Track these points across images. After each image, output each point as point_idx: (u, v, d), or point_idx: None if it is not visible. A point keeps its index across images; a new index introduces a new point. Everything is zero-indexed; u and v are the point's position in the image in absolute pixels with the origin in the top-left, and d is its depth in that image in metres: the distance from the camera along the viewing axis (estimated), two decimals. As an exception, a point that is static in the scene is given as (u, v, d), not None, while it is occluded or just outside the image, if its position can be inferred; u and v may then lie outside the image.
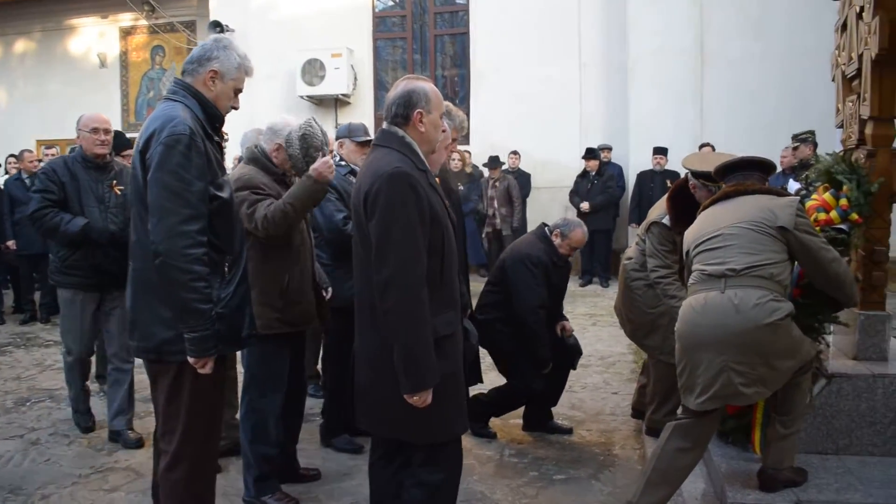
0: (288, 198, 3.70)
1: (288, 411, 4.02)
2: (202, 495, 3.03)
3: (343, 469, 4.36)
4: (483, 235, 11.50)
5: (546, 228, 4.96)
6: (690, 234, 3.57)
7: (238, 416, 4.03)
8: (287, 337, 3.88)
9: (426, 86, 2.89)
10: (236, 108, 3.11)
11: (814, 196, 3.99)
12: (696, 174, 4.15)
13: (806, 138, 8.33)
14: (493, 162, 11.51)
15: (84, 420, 5.11)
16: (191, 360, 2.81)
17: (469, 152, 11.86)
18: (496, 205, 11.37)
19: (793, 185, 7.97)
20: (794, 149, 8.41)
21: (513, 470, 4.37)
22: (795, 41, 10.77)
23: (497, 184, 11.38)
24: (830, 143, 6.38)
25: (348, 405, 4.53)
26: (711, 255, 3.35)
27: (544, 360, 4.74)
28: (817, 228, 3.76)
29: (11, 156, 11.00)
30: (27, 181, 8.93)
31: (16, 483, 4.24)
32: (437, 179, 3.02)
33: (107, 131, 4.77)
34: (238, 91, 3.06)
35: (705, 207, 3.61)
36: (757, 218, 3.30)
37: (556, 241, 4.86)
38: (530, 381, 4.77)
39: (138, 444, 4.74)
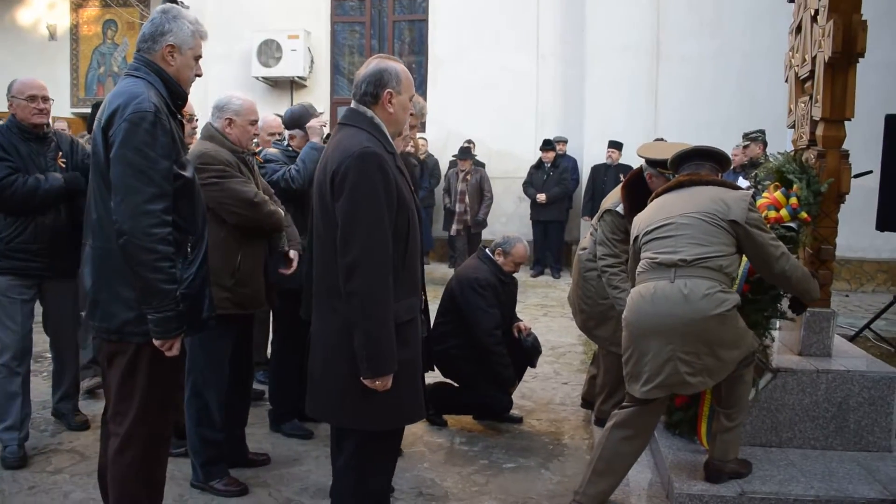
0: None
1: (234, 395, 3.99)
2: (152, 479, 2.97)
3: (293, 454, 4.34)
4: (452, 233, 11.13)
5: (486, 250, 4.98)
6: (641, 221, 3.59)
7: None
8: (233, 319, 3.81)
9: (398, 66, 2.86)
10: (200, 76, 3.06)
11: (765, 194, 4.07)
12: (652, 162, 4.18)
13: (756, 137, 8.48)
14: (464, 153, 11.03)
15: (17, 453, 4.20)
16: (156, 342, 2.76)
17: (425, 139, 11.82)
18: (467, 200, 10.94)
19: (742, 184, 8.16)
20: (745, 147, 8.56)
21: (463, 458, 4.39)
22: (749, 41, 10.97)
23: (468, 177, 10.99)
24: (780, 143, 6.51)
25: (296, 390, 4.54)
26: (662, 244, 3.38)
27: (509, 380, 4.80)
28: (767, 225, 3.84)
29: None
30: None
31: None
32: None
33: (45, 98, 4.26)
34: (198, 57, 2.99)
35: (658, 195, 3.63)
36: (710, 209, 3.33)
37: (500, 259, 4.88)
38: (499, 399, 4.81)
39: (84, 426, 4.63)
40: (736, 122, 9.95)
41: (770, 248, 3.35)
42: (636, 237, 3.57)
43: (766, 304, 3.80)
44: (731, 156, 9.00)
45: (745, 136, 8.55)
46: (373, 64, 2.85)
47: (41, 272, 4.23)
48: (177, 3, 11.95)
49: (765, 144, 8.41)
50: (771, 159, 4.36)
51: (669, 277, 3.27)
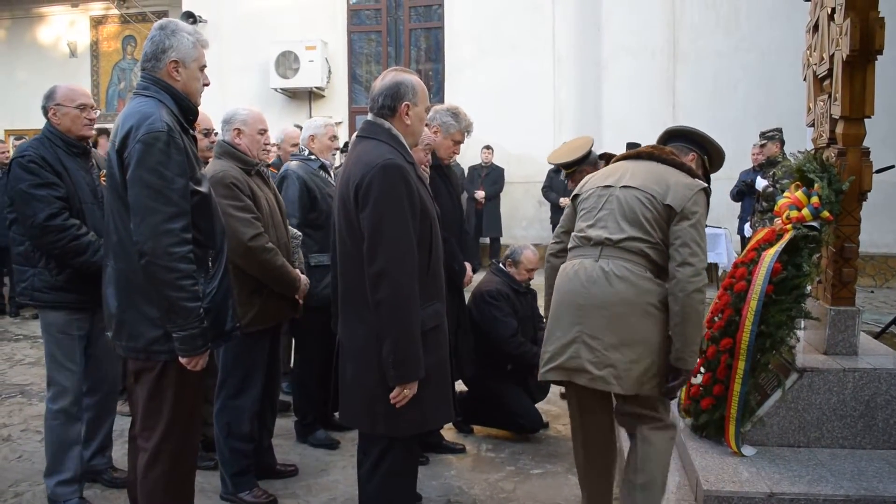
0: (273, 270, 3.79)
1: (262, 406, 4.02)
2: (181, 492, 3.01)
3: (320, 465, 4.37)
4: None
5: (498, 263, 5.00)
6: (589, 179, 3.36)
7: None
8: (263, 333, 3.87)
9: (413, 79, 2.91)
10: (208, 84, 3.07)
11: (786, 194, 4.05)
12: (564, 166, 4.27)
13: (773, 136, 8.42)
14: None
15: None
16: (182, 360, 2.79)
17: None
18: None
19: (760, 182, 8.12)
20: (762, 146, 8.50)
21: (490, 464, 4.40)
22: (766, 39, 10.91)
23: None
24: (798, 141, 6.47)
25: (321, 400, 4.58)
26: (594, 217, 3.14)
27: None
28: (789, 226, 3.82)
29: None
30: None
31: (-12, 480, 4.18)
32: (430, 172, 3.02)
33: (93, 107, 3.86)
34: (203, 67, 3.01)
35: (618, 160, 3.43)
36: (650, 189, 3.06)
37: (511, 270, 4.89)
38: (531, 417, 4.76)
39: (124, 483, 3.58)
40: (753, 121, 9.91)
41: (686, 248, 2.94)
42: (576, 194, 3.34)
43: (789, 303, 3.77)
44: (751, 154, 9.03)
45: (763, 135, 8.49)
46: (389, 77, 2.89)
47: (95, 303, 3.48)
48: (193, 18, 12.14)
49: (782, 143, 8.34)
50: (790, 158, 4.34)
51: (594, 256, 3.05)
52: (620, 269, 2.98)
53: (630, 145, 10.69)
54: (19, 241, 3.74)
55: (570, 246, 3.23)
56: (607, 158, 3.75)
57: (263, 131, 3.96)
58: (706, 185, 3.17)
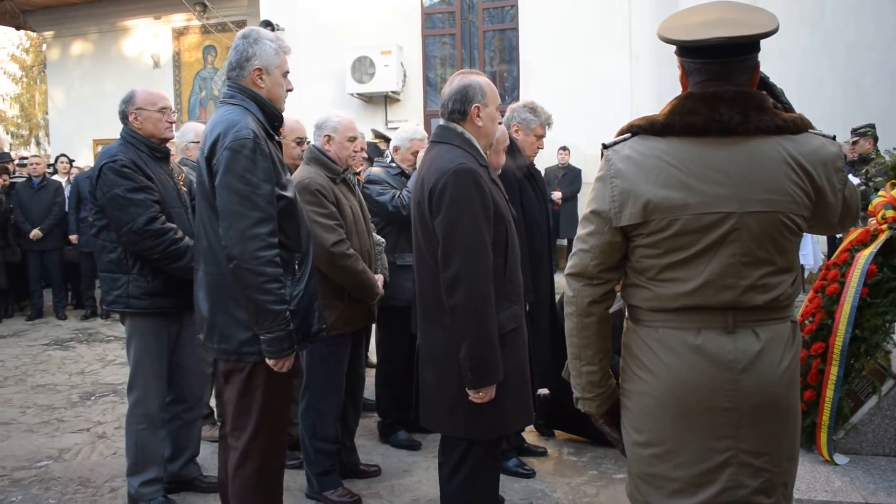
0: (354, 275, 3.82)
1: (346, 407, 4.07)
2: (271, 490, 3.08)
3: (402, 465, 4.40)
4: None
5: None
6: (644, 188, 2.01)
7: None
8: (346, 336, 3.93)
9: (481, 80, 2.91)
10: (291, 90, 3.13)
11: (881, 192, 3.92)
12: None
13: (866, 132, 8.15)
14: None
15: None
16: (269, 361, 2.85)
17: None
18: None
19: (853, 180, 7.85)
20: (854, 143, 8.23)
21: (572, 468, 4.37)
22: (853, 33, 10.55)
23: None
24: (889, 137, 6.24)
25: (403, 401, 4.62)
26: (701, 263, 1.98)
27: None
28: (884, 225, 3.70)
29: (63, 155, 11.34)
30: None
31: (85, 475, 4.36)
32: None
33: (172, 110, 3.87)
34: (286, 73, 3.07)
35: (676, 132, 2.08)
36: (788, 189, 1.94)
37: None
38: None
39: (215, 487, 3.67)
40: (841, 117, 9.57)
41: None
42: (630, 213, 1.96)
43: (885, 307, 3.64)
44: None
45: (854, 132, 8.22)
46: (456, 81, 2.90)
47: (184, 308, 3.59)
48: (271, 26, 12.39)
49: (875, 139, 8.06)
50: (885, 155, 4.19)
51: (724, 325, 1.92)
52: (777, 336, 1.96)
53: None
54: (111, 247, 3.69)
55: (648, 305, 2.04)
56: None
57: (353, 138, 4.01)
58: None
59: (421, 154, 4.52)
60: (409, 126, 4.95)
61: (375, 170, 4.79)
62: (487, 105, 2.89)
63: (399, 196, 4.51)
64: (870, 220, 3.92)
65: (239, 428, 2.99)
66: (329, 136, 3.94)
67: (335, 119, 3.98)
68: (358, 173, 4.49)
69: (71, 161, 11.49)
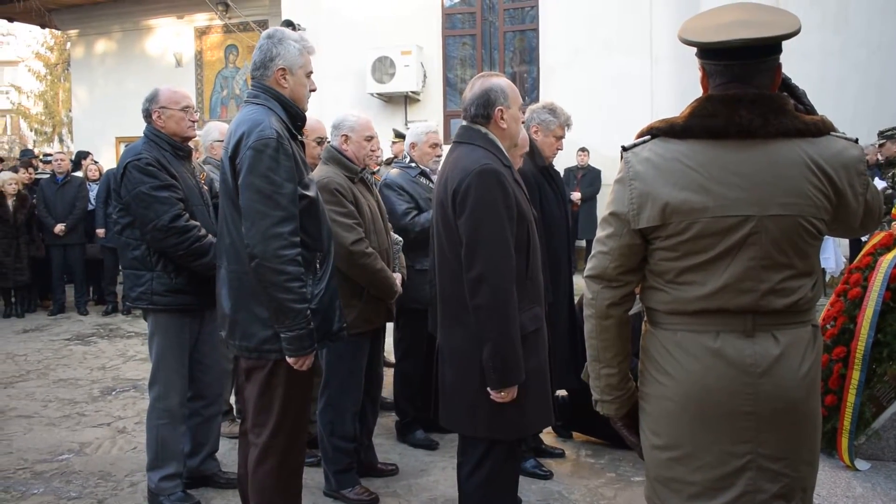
0: (373, 274, 3.84)
1: (364, 406, 4.09)
2: (290, 487, 3.10)
3: (420, 465, 4.41)
4: None
5: None
6: (663, 188, 2.00)
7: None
8: (365, 335, 3.94)
9: (502, 81, 2.92)
10: (315, 90, 3.14)
11: (905, 196, 3.89)
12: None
13: (892, 135, 8.04)
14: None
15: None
16: (289, 359, 2.87)
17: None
18: None
19: (878, 183, 7.77)
20: (881, 145, 8.13)
21: (590, 470, 4.36)
22: (877, 35, 10.46)
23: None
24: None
25: (421, 400, 4.62)
26: (722, 265, 1.96)
27: None
28: None
29: (85, 152, 11.45)
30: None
31: (105, 469, 4.40)
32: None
33: (195, 109, 3.88)
34: (309, 73, 3.08)
35: (694, 134, 2.05)
36: (809, 193, 1.92)
37: None
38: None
39: (234, 483, 3.64)
40: (863, 119, 9.49)
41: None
42: (651, 215, 1.95)
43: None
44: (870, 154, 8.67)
45: (881, 134, 8.12)
46: (477, 85, 2.91)
47: (206, 305, 3.68)
48: (293, 26, 12.44)
49: (902, 142, 7.97)
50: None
51: (743, 328, 1.92)
52: (797, 340, 1.95)
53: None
54: (135, 245, 3.70)
55: (667, 307, 2.03)
56: None
57: (370, 138, 4.03)
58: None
59: (440, 149, 4.54)
60: (419, 124, 4.95)
61: (394, 172, 4.79)
62: (510, 107, 2.90)
63: (415, 217, 4.53)
64: (893, 223, 3.89)
65: (259, 425, 3.01)
66: (346, 135, 3.96)
67: (352, 119, 4.00)
68: (375, 172, 4.49)
69: (94, 162, 11.59)
